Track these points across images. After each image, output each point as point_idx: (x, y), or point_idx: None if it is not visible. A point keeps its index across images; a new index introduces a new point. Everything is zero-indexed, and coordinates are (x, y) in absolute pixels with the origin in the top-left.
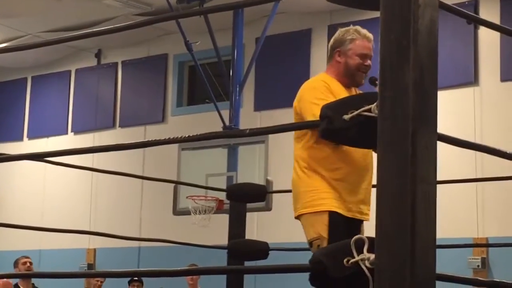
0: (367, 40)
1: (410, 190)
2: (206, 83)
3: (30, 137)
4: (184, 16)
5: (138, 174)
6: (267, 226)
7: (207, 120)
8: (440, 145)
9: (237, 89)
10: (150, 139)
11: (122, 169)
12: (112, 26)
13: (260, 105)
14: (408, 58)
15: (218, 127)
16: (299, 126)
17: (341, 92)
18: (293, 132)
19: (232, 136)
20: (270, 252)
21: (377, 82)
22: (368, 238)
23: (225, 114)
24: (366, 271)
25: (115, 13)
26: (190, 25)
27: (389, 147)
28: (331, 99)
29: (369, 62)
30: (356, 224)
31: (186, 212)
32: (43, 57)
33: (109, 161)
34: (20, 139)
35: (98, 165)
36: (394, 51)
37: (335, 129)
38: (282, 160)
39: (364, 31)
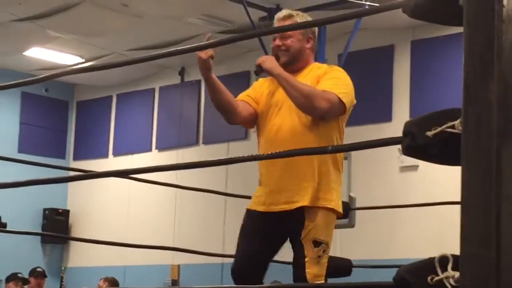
0: (276, 21)
1: (495, 208)
2: None
3: (115, 154)
4: (266, 34)
5: (221, 191)
6: (350, 243)
7: None
8: None
9: None
10: (233, 156)
11: (206, 186)
12: (196, 44)
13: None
14: (492, 73)
15: None
16: (383, 142)
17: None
18: (377, 149)
19: (314, 153)
20: (353, 269)
21: (257, 70)
22: (453, 255)
23: None
24: None
25: (198, 31)
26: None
27: (473, 164)
28: None
29: (275, 42)
30: (275, 218)
31: None
32: (127, 75)
33: (193, 178)
34: (106, 156)
35: (182, 182)
36: (478, 67)
37: (418, 145)
38: (365, 176)
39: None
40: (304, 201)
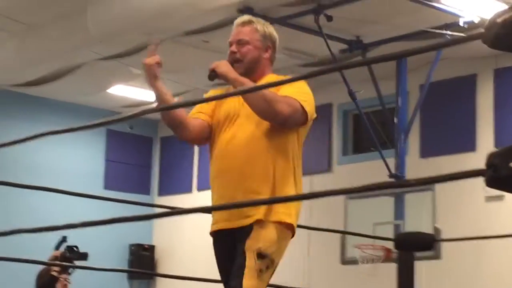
0: (235, 26)
1: None
2: (371, 131)
3: (200, 189)
4: (348, 67)
5: (305, 225)
6: (436, 275)
7: (373, 168)
8: None
9: (402, 136)
10: (317, 189)
11: None
12: (278, 80)
13: (426, 152)
14: None
15: (384, 175)
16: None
17: None
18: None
19: (397, 186)
20: None
21: (211, 75)
22: None
23: (391, 161)
24: None
25: (280, 64)
26: (354, 73)
27: None
28: None
29: (231, 48)
30: (226, 236)
31: (354, 261)
32: None
33: None
34: (190, 191)
35: None
36: None
37: (501, 177)
38: (450, 207)
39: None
40: (259, 215)
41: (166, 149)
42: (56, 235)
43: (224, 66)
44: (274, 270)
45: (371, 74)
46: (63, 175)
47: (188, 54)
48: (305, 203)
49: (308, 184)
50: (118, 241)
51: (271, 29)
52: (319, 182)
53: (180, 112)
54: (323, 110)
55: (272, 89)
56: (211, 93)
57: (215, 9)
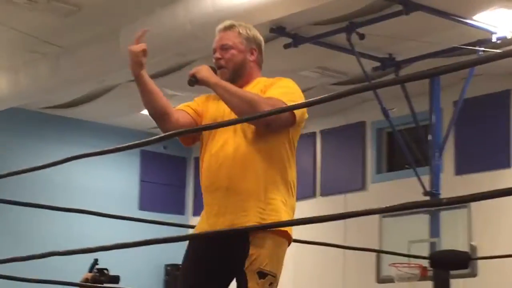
0: (217, 32)
1: None
2: (405, 149)
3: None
4: (381, 86)
5: (340, 244)
6: None
7: (407, 186)
8: None
9: (437, 153)
10: (351, 207)
11: (324, 239)
12: (314, 99)
13: (461, 169)
14: None
15: (419, 193)
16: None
17: None
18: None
19: (431, 205)
20: None
21: (191, 81)
22: None
23: (426, 179)
24: None
25: (312, 83)
26: (387, 91)
27: None
28: None
29: (215, 55)
30: (217, 245)
31: (390, 280)
32: None
33: (311, 230)
34: None
35: (300, 235)
36: None
37: None
38: (486, 225)
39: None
40: (249, 223)
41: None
42: (91, 257)
43: (204, 71)
44: (277, 284)
45: (404, 91)
46: (98, 196)
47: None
48: (340, 222)
49: (343, 202)
50: (154, 262)
51: (254, 32)
52: (353, 201)
53: (165, 102)
54: (357, 128)
55: (259, 92)
56: (203, 98)
57: None
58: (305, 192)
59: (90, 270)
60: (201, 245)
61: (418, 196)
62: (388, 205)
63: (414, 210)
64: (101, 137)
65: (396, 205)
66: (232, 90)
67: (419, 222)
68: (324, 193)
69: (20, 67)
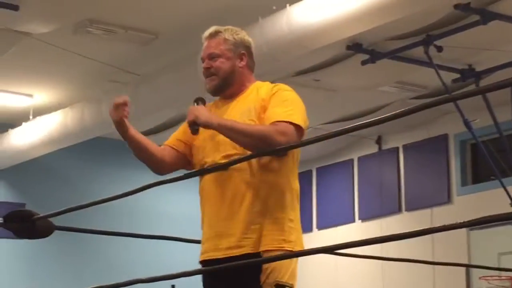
0: (203, 40)
1: None
2: (490, 160)
3: (319, 227)
4: (462, 97)
5: (428, 260)
6: None
7: (494, 197)
8: None
9: None
10: (437, 221)
11: (412, 254)
12: (393, 113)
13: None
14: None
15: (506, 204)
16: None
17: None
18: None
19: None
20: None
21: (199, 102)
22: None
23: None
24: None
25: (392, 98)
26: (468, 102)
27: None
28: None
29: (203, 65)
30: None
31: None
32: (325, 148)
33: (398, 247)
34: (310, 230)
35: (388, 252)
36: None
37: None
38: None
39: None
40: (249, 247)
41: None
42: (168, 284)
43: (202, 116)
44: None
45: (486, 102)
46: (180, 221)
47: (300, 93)
48: (427, 236)
49: (429, 216)
50: None
51: (242, 35)
52: (439, 214)
53: (153, 150)
54: (439, 141)
55: (258, 109)
56: (211, 106)
57: (324, 47)
58: (390, 208)
59: None
60: (209, 272)
61: (505, 207)
62: (475, 218)
63: (503, 221)
64: None
65: (483, 217)
66: (239, 129)
67: (508, 234)
68: (409, 208)
69: (101, 97)
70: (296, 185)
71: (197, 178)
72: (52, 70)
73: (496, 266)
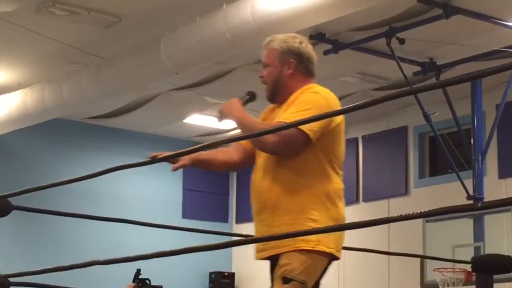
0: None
1: None
2: (447, 153)
3: None
4: (422, 90)
5: (383, 250)
6: None
7: (450, 190)
8: None
9: (480, 157)
10: (394, 213)
11: (367, 244)
12: (354, 104)
13: (505, 172)
14: None
15: (462, 197)
16: None
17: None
18: None
19: (474, 209)
20: None
21: (249, 96)
22: None
23: (469, 183)
24: None
25: (353, 89)
26: (428, 95)
27: None
28: None
29: (260, 73)
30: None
31: (434, 285)
32: None
33: (354, 236)
34: None
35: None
36: None
37: None
38: None
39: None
40: (276, 248)
41: (243, 175)
42: (134, 267)
43: (227, 108)
44: None
45: (446, 96)
46: (141, 205)
47: (258, 81)
48: (383, 227)
49: (386, 207)
50: (198, 269)
51: (290, 43)
52: (396, 206)
53: (222, 158)
54: (399, 133)
55: (284, 110)
56: (267, 110)
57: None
58: (348, 198)
59: (134, 280)
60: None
61: (461, 200)
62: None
63: (458, 214)
64: (143, 147)
65: (439, 208)
66: (245, 124)
67: (463, 226)
68: (366, 199)
69: (62, 78)
70: (325, 185)
71: (157, 164)
72: (13, 49)
73: (451, 258)
